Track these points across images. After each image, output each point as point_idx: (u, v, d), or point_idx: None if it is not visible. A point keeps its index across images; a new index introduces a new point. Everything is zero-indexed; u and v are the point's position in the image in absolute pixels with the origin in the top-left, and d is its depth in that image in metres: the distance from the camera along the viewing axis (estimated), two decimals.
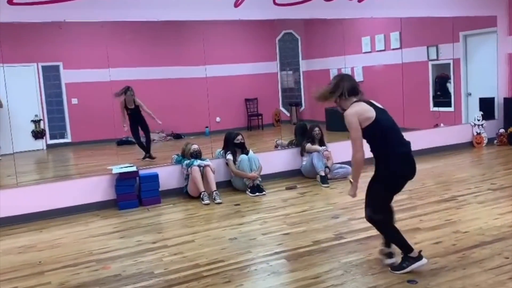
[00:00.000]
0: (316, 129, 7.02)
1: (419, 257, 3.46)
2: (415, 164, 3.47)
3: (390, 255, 3.61)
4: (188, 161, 6.23)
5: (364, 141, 3.38)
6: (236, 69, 10.29)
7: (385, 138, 3.38)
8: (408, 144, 3.45)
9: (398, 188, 3.52)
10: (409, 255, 3.47)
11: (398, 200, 5.47)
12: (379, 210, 3.49)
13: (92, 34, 7.58)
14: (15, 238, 5.04)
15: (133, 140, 8.26)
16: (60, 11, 5.70)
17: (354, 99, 3.43)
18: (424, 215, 4.90)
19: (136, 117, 7.92)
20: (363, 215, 4.95)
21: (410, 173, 3.47)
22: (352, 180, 3.58)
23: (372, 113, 3.33)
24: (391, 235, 3.56)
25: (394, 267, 3.53)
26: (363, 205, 5.29)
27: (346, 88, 3.41)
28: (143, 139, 8.03)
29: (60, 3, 5.72)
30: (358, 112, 3.33)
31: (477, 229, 4.37)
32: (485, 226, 4.45)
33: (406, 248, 3.48)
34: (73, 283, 3.75)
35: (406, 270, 3.46)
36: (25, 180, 6.19)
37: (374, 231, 4.43)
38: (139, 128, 7.98)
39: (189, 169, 6.09)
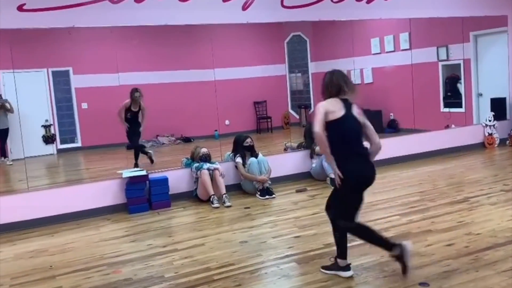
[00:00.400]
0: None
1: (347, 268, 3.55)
2: (374, 168, 3.49)
3: (346, 267, 3.58)
4: (198, 164, 6.23)
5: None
6: (244, 72, 10.30)
7: (344, 138, 3.44)
8: (366, 149, 3.52)
9: (358, 191, 3.50)
10: (338, 263, 3.56)
11: (410, 202, 5.45)
12: (347, 217, 3.49)
13: (101, 39, 7.63)
14: (27, 242, 5.07)
15: (143, 144, 8.27)
16: (70, 16, 5.74)
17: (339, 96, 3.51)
18: (436, 216, 4.85)
19: (135, 121, 7.67)
20: (374, 217, 4.96)
21: (368, 174, 3.47)
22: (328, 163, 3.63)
23: (340, 112, 3.41)
24: (365, 236, 3.58)
25: (325, 266, 3.65)
26: (374, 208, 5.31)
27: (334, 90, 3.51)
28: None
29: (70, 9, 5.76)
30: (325, 105, 3.44)
31: (490, 231, 4.32)
32: (498, 227, 4.39)
33: (385, 245, 3.46)
34: (85, 287, 3.76)
35: (330, 272, 3.57)
36: (36, 185, 6.23)
37: (386, 234, 4.40)
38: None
39: (199, 172, 6.10)
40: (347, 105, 3.47)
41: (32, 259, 4.51)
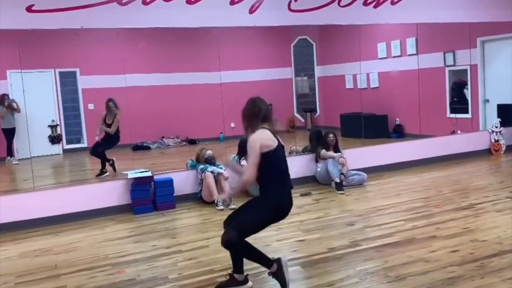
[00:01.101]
0: (331, 135, 6.98)
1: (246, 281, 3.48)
2: (292, 202, 3.50)
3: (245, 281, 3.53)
4: (203, 166, 6.24)
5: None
6: (250, 75, 10.30)
7: (276, 168, 3.39)
8: (290, 183, 3.52)
9: (271, 219, 3.48)
10: (235, 278, 3.47)
11: (415, 207, 5.44)
12: (244, 235, 3.37)
13: (109, 41, 7.67)
14: (32, 241, 5.09)
15: (149, 145, 8.28)
16: (78, 18, 5.77)
17: (263, 125, 3.41)
18: (441, 223, 4.83)
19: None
20: (379, 222, 4.95)
21: (287, 208, 3.47)
22: (230, 189, 3.48)
23: (274, 143, 3.35)
24: (249, 254, 3.46)
25: (221, 283, 3.53)
26: (378, 213, 5.30)
27: (261, 116, 3.42)
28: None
29: (78, 10, 5.79)
30: (262, 138, 3.34)
31: (495, 238, 4.30)
32: (504, 234, 4.37)
33: (265, 263, 3.43)
34: (89, 286, 3.77)
35: None
36: (42, 184, 6.26)
37: (390, 239, 4.41)
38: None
39: (203, 174, 6.11)
40: (273, 134, 3.40)
41: (37, 258, 4.53)
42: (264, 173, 3.34)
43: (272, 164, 3.37)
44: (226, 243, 3.38)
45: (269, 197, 3.40)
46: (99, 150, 7.47)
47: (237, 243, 3.34)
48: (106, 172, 7.29)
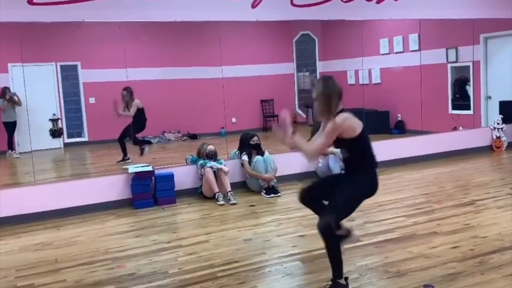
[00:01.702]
0: None
1: (347, 285, 3.30)
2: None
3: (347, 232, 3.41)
4: (202, 161, 6.23)
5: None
6: (252, 70, 10.29)
7: (368, 148, 3.31)
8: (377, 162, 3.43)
9: (364, 197, 3.37)
10: (338, 281, 3.29)
11: (416, 203, 5.43)
12: (340, 216, 3.27)
13: (110, 35, 7.67)
14: (32, 235, 5.09)
15: (150, 139, 8.34)
16: (80, 11, 5.75)
17: (341, 106, 3.31)
18: (442, 219, 4.82)
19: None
20: (380, 218, 4.94)
21: (377, 185, 3.38)
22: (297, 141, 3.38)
23: (360, 125, 3.24)
24: (337, 251, 3.32)
25: None
26: (379, 209, 5.29)
27: (338, 91, 3.29)
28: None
29: (80, 3, 5.76)
30: (355, 122, 3.23)
31: (496, 234, 4.28)
32: (505, 231, 4.36)
33: (340, 271, 3.30)
34: (89, 280, 3.78)
35: None
36: (43, 178, 6.27)
37: (391, 235, 4.41)
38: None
39: (203, 169, 6.10)
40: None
41: (37, 252, 4.54)
42: (359, 154, 3.27)
43: (365, 144, 3.30)
44: (324, 228, 3.19)
45: (365, 176, 3.30)
46: (126, 135, 7.84)
47: (335, 225, 3.22)
48: (128, 158, 7.60)
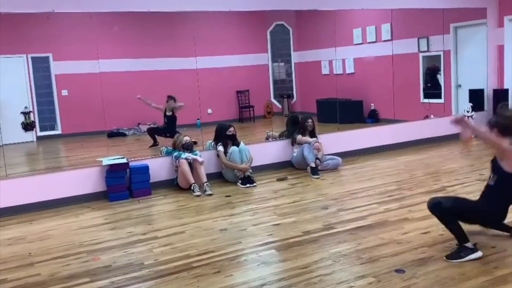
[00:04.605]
0: (310, 120, 7.02)
1: (475, 249, 3.56)
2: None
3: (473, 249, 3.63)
4: (177, 153, 6.22)
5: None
6: (227, 60, 10.25)
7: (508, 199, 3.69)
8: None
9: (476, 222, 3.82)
10: (465, 245, 3.56)
11: (388, 191, 5.54)
12: (456, 211, 3.63)
13: (82, 25, 7.52)
14: (5, 230, 5.02)
15: (124, 132, 8.33)
16: (49, 1, 5.64)
17: None
18: (413, 205, 4.93)
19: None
20: (353, 205, 5.03)
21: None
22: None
23: None
24: (452, 223, 3.65)
25: (450, 256, 3.58)
26: (352, 196, 5.39)
27: None
28: None
29: None
30: None
31: None
32: None
33: (461, 238, 3.59)
34: (63, 274, 3.76)
35: (463, 259, 3.51)
36: (15, 172, 6.16)
37: (363, 222, 4.50)
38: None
39: (178, 161, 6.09)
40: None
41: (10, 247, 4.48)
42: (505, 194, 3.65)
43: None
44: (434, 205, 3.62)
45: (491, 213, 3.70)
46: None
47: (446, 208, 3.58)
48: (158, 144, 8.00)
